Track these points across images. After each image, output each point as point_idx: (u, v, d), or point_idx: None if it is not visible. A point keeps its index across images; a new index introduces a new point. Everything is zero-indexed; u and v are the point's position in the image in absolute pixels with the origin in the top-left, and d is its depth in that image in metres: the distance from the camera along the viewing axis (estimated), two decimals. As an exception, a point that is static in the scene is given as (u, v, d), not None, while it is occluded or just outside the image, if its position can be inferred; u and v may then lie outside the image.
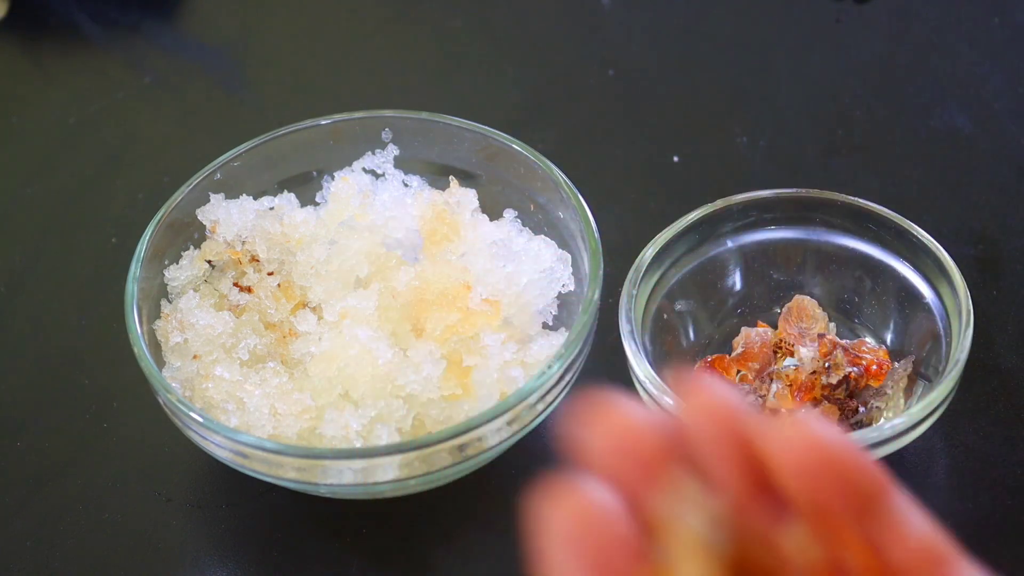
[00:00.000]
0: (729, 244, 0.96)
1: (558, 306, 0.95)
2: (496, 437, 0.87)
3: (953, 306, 0.91)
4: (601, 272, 0.91)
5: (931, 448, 0.92)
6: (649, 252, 0.93)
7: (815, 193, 0.96)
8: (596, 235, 0.92)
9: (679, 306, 0.95)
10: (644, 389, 0.89)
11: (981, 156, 1.08)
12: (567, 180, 0.94)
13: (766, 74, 1.15)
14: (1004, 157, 1.07)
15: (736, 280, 0.97)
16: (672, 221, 0.96)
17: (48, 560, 0.92)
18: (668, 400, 0.88)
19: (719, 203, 0.95)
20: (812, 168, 1.09)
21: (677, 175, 1.09)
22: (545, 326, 0.94)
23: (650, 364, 0.90)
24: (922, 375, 0.92)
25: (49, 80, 1.20)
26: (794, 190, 0.96)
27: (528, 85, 1.16)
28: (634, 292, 0.92)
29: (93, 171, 1.12)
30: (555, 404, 0.89)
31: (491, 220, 0.97)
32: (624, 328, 0.91)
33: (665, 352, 0.94)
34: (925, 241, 0.93)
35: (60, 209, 1.10)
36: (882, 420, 0.90)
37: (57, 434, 0.97)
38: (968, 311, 0.90)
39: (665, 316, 0.94)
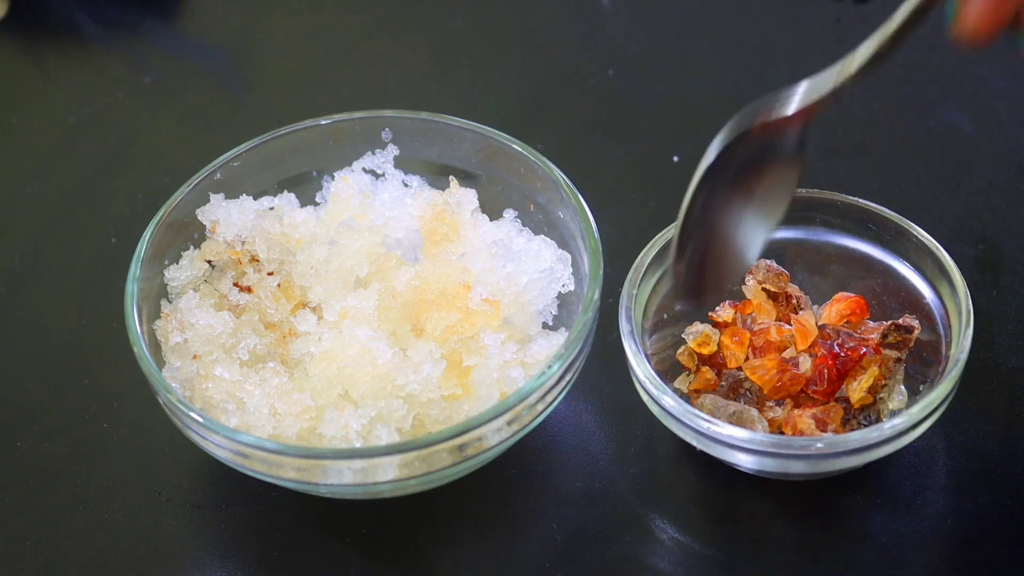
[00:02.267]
0: None
1: (558, 306, 0.95)
2: (496, 437, 0.87)
3: (953, 306, 0.91)
4: (601, 272, 0.91)
5: (931, 448, 0.92)
6: (649, 252, 0.93)
7: (815, 193, 0.95)
8: (596, 235, 0.92)
9: (679, 306, 0.95)
10: (644, 389, 0.89)
11: (981, 156, 1.08)
12: (567, 180, 0.94)
13: (766, 74, 1.15)
14: (1004, 157, 1.07)
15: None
16: (672, 221, 0.96)
17: (48, 560, 0.92)
18: (668, 400, 0.88)
19: None
20: (812, 168, 1.08)
21: (677, 175, 1.09)
22: (545, 326, 0.94)
23: (650, 364, 0.90)
24: (923, 359, 0.92)
25: (49, 80, 1.20)
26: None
27: (528, 85, 1.16)
28: (634, 292, 0.92)
29: (93, 171, 1.13)
30: (555, 404, 0.89)
31: (491, 220, 0.97)
32: (624, 328, 0.91)
33: (665, 351, 0.94)
34: (925, 241, 0.93)
35: (60, 209, 1.10)
36: (888, 411, 0.90)
37: (57, 434, 0.97)
38: (968, 311, 0.89)
39: (665, 316, 0.94)
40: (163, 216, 0.95)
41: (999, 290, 1.00)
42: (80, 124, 1.16)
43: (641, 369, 0.89)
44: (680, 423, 0.88)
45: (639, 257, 0.93)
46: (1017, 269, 1.01)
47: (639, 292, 0.92)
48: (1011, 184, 1.06)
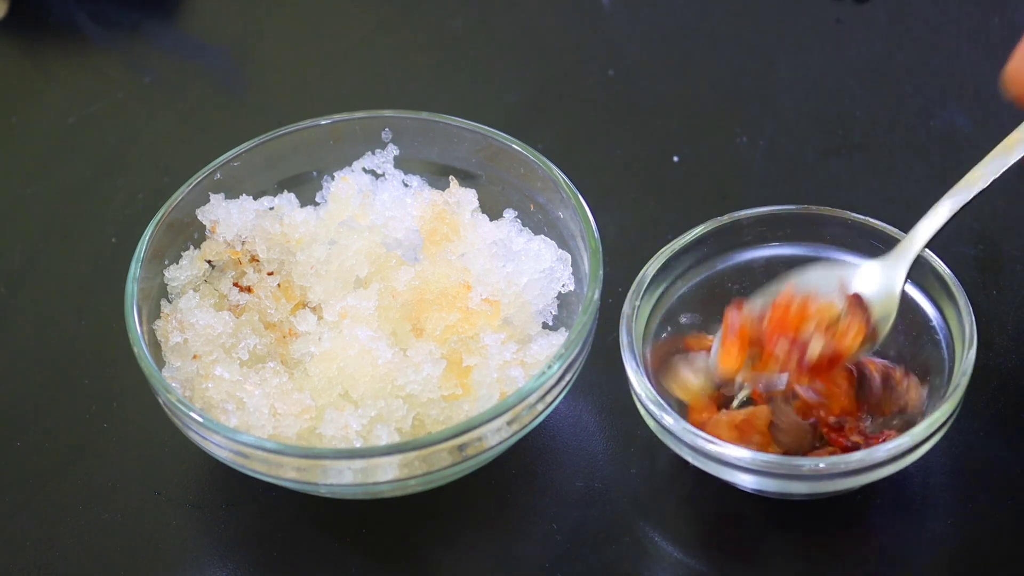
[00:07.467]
0: (732, 260, 0.95)
1: (558, 306, 0.95)
2: (496, 437, 0.87)
3: (957, 326, 0.90)
4: (601, 272, 0.91)
5: (932, 448, 0.92)
6: (653, 265, 0.93)
7: (816, 209, 0.94)
8: (596, 235, 0.92)
9: (684, 319, 0.94)
10: (642, 404, 0.89)
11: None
12: (567, 180, 0.94)
13: (766, 74, 1.15)
14: (1004, 157, 1.07)
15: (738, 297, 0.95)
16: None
17: (48, 560, 0.92)
18: (667, 418, 0.87)
19: (725, 218, 0.94)
20: (812, 168, 1.09)
21: (677, 175, 1.09)
22: (545, 326, 0.94)
23: (648, 379, 0.89)
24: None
25: (49, 80, 1.20)
26: (799, 206, 0.95)
27: (528, 85, 1.16)
28: (637, 304, 0.91)
29: (93, 171, 1.13)
30: (555, 404, 0.89)
31: (491, 220, 0.97)
32: (624, 341, 0.90)
33: (665, 367, 0.93)
34: (930, 260, 0.92)
35: (60, 209, 1.10)
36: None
37: (57, 434, 0.97)
38: (972, 332, 0.88)
39: (664, 335, 0.94)
40: (163, 216, 0.95)
41: (999, 290, 1.00)
42: (80, 124, 1.16)
43: (639, 384, 0.88)
44: (679, 441, 0.87)
45: (642, 271, 0.92)
46: (1017, 269, 1.01)
47: (641, 305, 0.91)
48: (1011, 184, 1.06)
